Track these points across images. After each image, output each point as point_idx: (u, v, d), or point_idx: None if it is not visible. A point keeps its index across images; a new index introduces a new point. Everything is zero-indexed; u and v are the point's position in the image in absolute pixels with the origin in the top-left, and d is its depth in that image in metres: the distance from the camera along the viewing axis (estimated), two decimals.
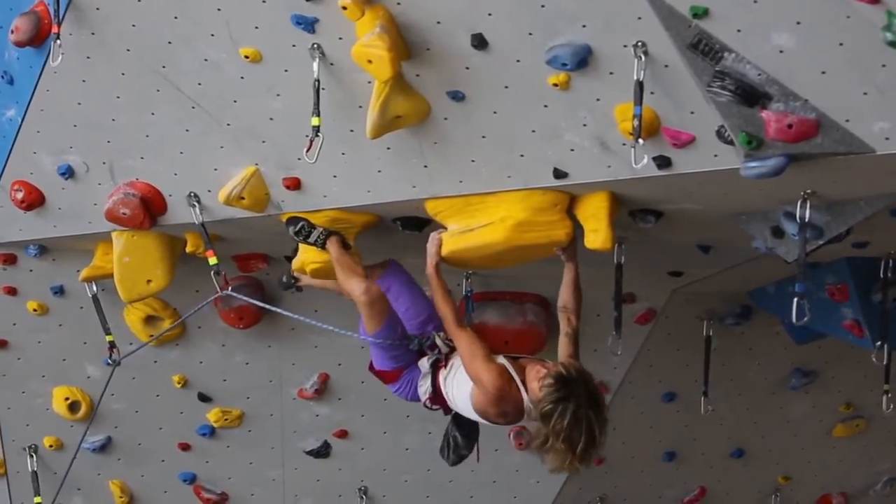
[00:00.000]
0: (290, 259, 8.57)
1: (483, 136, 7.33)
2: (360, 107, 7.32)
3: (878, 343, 8.92)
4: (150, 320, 9.39)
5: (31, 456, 9.99)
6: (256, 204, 8.11)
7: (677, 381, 10.08)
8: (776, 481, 10.91)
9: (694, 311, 9.78)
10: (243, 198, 8.06)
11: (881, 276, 8.84)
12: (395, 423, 9.92)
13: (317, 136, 7.31)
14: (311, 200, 8.03)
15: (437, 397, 7.68)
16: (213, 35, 7.50)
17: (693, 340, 9.85)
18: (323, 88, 7.30)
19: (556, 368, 7.00)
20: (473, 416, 7.52)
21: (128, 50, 7.75)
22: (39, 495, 9.95)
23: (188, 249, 8.70)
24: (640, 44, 6.53)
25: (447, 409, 7.74)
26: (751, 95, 6.39)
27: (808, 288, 7.40)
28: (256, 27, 7.40)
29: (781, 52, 6.27)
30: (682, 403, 10.15)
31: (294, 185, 7.98)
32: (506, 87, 7.06)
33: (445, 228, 7.81)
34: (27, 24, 7.88)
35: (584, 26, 6.64)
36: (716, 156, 6.79)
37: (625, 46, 6.57)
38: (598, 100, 6.90)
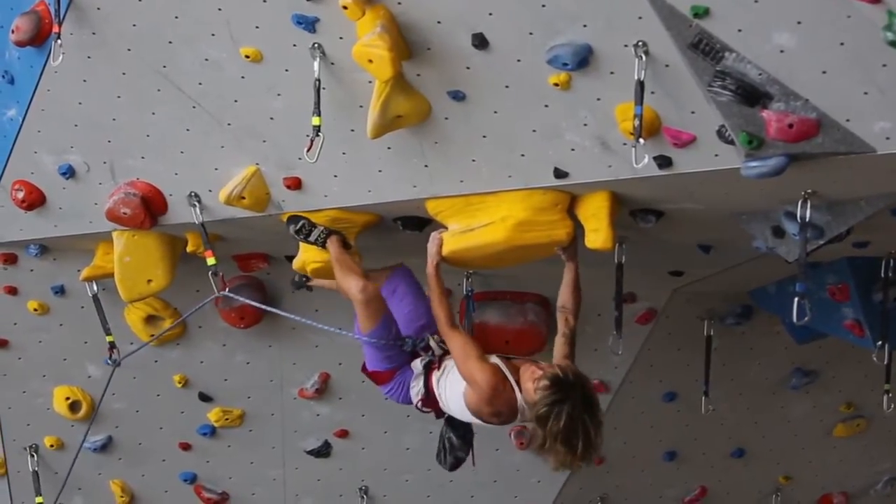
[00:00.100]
0: (290, 259, 8.57)
1: (484, 136, 7.33)
2: (361, 106, 7.31)
3: (879, 343, 8.92)
4: (150, 320, 9.38)
5: (32, 456, 9.98)
6: (257, 204, 8.11)
7: (678, 380, 10.07)
8: (777, 481, 10.90)
9: (694, 311, 9.78)
10: (244, 197, 8.06)
11: (882, 275, 8.84)
12: (396, 422, 9.91)
13: (317, 135, 7.31)
14: (311, 200, 8.02)
15: (429, 399, 7.66)
16: (213, 35, 7.50)
17: (694, 340, 9.84)
18: (324, 88, 7.30)
19: (551, 370, 6.97)
20: (466, 417, 7.51)
21: (128, 49, 7.75)
22: (41, 495, 9.94)
23: (189, 249, 8.70)
24: (640, 43, 6.52)
25: (439, 412, 7.72)
26: (751, 95, 6.39)
27: (808, 288, 7.40)
28: (257, 27, 7.40)
29: (782, 51, 6.27)
30: (683, 403, 10.15)
31: (295, 184, 7.97)
32: (506, 86, 7.06)
33: (446, 228, 7.81)
34: (28, 24, 7.87)
35: (584, 26, 6.64)
36: (716, 155, 6.79)
37: (625, 46, 6.57)
38: (598, 99, 6.90)
